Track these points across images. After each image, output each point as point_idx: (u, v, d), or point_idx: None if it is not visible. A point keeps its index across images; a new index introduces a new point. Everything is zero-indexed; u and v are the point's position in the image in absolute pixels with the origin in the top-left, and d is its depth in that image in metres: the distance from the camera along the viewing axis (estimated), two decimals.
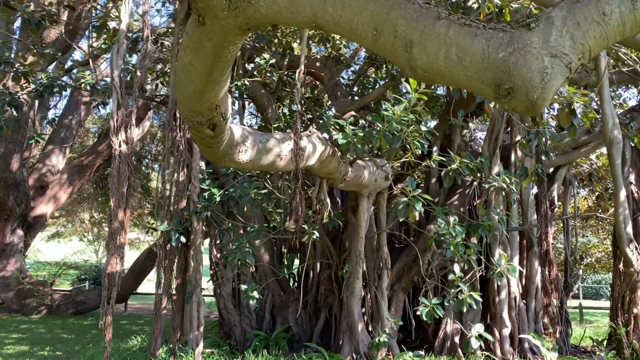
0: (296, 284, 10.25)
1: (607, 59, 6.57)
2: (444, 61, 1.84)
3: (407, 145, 6.26)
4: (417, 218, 6.17)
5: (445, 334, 8.69)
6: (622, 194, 6.41)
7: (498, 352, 8.47)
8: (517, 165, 9.01)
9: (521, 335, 8.04)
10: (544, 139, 6.84)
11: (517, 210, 9.71)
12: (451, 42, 1.91)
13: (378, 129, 6.06)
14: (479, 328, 6.57)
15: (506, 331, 8.47)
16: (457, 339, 8.56)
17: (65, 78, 9.24)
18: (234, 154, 5.16)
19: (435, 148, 6.85)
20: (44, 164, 18.38)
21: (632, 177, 9.88)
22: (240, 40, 2.47)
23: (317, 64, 10.65)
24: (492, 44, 1.88)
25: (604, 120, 6.50)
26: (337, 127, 6.14)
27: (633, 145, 9.45)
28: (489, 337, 6.47)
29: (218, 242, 9.05)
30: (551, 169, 10.39)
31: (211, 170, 8.09)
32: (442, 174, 6.68)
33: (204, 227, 8.54)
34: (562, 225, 10.40)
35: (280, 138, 5.53)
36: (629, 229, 6.47)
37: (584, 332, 10.10)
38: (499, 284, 8.44)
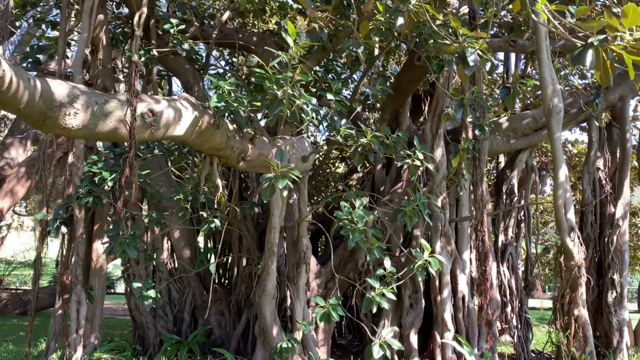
0: (226, 282, 9.27)
1: (544, 20, 5.49)
2: None
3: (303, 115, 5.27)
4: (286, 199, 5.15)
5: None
6: (562, 174, 5.34)
7: (439, 358, 7.43)
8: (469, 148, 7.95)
9: (443, 341, 6.99)
10: (475, 110, 5.81)
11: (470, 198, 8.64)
12: None
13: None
14: (386, 334, 5.53)
15: (449, 335, 7.42)
16: None
17: None
18: (58, 117, 4.13)
19: (344, 121, 5.79)
20: (1, 157, 17.54)
21: (600, 162, 8.81)
22: None
23: (254, 38, 9.64)
24: None
25: (542, 86, 5.44)
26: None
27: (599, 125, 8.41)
28: (396, 344, 5.43)
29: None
30: (513, 153, 9.35)
31: (109, 151, 7.13)
32: (352, 150, 5.65)
33: (109, 216, 7.57)
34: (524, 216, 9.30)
35: (125, 99, 4.52)
36: (571, 215, 5.41)
37: (548, 336, 9.00)
38: (439, 280, 7.42)
